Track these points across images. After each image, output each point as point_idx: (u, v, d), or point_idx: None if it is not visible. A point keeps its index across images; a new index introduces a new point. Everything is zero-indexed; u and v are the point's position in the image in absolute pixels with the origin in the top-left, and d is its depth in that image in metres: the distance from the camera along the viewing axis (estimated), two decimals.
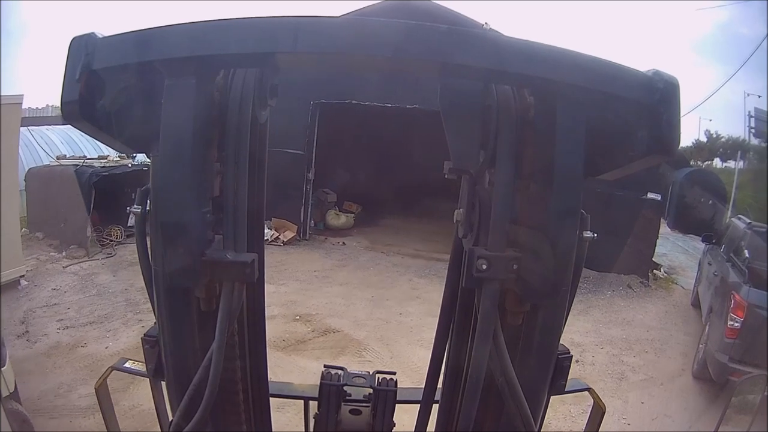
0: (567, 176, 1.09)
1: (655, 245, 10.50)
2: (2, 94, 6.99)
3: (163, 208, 1.13)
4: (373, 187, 13.61)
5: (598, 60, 1.05)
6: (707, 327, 6.84)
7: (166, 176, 1.11)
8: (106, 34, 1.06)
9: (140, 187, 1.27)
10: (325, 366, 1.81)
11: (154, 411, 1.68)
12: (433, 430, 1.62)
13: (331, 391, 1.72)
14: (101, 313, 7.26)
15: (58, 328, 6.64)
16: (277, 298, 8.03)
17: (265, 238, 10.51)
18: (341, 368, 1.80)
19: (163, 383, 1.42)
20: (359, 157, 13.41)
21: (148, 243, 1.27)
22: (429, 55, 1.01)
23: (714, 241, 8.80)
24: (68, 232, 9.55)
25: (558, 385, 1.38)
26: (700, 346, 6.80)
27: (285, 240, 11.08)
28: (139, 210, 1.26)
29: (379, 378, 1.76)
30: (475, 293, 1.20)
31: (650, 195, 9.93)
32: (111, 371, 1.75)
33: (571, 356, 1.41)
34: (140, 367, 1.69)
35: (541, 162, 1.12)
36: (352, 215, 13.01)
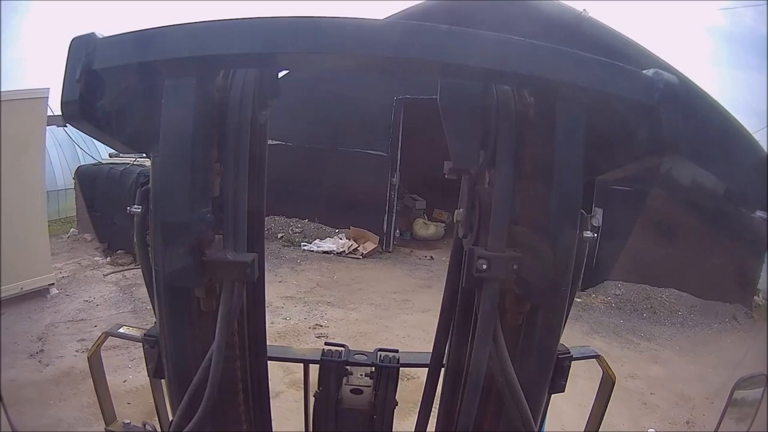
0: (567, 176, 1.09)
1: (761, 270, 9.06)
2: (27, 88, 6.51)
3: (163, 208, 1.13)
4: None
5: (598, 60, 1.05)
6: None
7: (166, 176, 1.11)
8: (106, 34, 1.07)
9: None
10: (326, 344, 1.78)
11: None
12: (434, 430, 1.62)
13: (332, 368, 1.69)
14: None
15: (77, 351, 5.77)
16: (344, 327, 6.86)
17: (342, 249, 9.65)
18: (342, 345, 1.78)
19: (163, 383, 1.42)
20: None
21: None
22: (429, 56, 1.01)
23: None
24: (116, 235, 8.60)
25: (558, 385, 1.38)
26: None
27: (365, 252, 9.79)
28: (139, 210, 1.26)
29: (380, 356, 1.75)
30: (475, 293, 1.20)
31: (758, 213, 8.64)
32: (106, 337, 1.70)
33: (571, 356, 1.41)
34: (135, 332, 1.67)
35: (541, 162, 1.13)
36: (443, 224, 11.35)
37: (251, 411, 1.55)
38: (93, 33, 1.06)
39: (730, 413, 1.77)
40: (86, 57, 1.03)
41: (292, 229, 10.44)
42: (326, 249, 9.81)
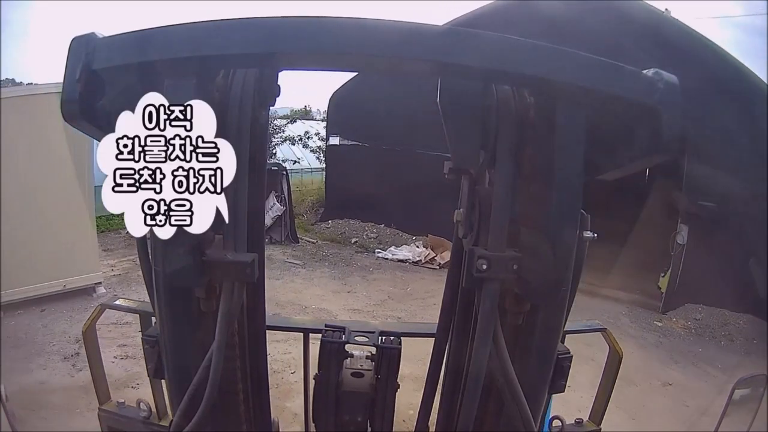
0: (567, 176, 1.09)
1: None
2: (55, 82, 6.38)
3: None
4: None
5: (598, 60, 1.05)
6: None
7: None
8: (106, 34, 1.07)
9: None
10: (326, 325, 1.77)
11: None
12: (434, 430, 1.62)
13: (332, 349, 1.67)
14: None
15: (116, 356, 5.10)
16: (413, 348, 5.83)
17: (419, 258, 9.11)
18: (343, 327, 1.77)
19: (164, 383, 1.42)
20: None
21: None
22: (429, 56, 1.01)
23: None
24: None
25: (558, 385, 1.38)
26: None
27: (442, 262, 8.92)
28: None
29: (382, 339, 1.74)
30: (475, 293, 1.20)
31: None
32: (102, 310, 1.66)
33: (571, 356, 1.41)
34: (131, 304, 1.63)
35: (541, 162, 1.13)
36: None
37: (251, 411, 1.55)
38: (93, 33, 1.06)
39: (730, 413, 1.77)
40: (86, 57, 1.03)
41: (366, 235, 10.03)
42: (401, 257, 9.23)
